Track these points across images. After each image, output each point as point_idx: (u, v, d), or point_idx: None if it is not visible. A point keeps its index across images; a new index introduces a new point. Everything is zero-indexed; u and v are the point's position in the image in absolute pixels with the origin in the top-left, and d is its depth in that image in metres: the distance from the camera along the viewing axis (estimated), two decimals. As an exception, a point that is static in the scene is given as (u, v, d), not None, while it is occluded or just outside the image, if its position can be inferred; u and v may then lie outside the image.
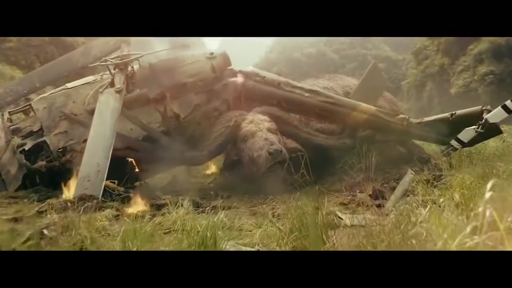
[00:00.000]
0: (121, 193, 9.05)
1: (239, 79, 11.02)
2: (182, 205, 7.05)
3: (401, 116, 10.27)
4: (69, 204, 7.19)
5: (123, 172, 9.57)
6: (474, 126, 8.64)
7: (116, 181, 9.15)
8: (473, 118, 8.94)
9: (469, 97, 28.97)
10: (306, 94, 10.46)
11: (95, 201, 7.38)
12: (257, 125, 9.92)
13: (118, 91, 9.01)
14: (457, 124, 9.25)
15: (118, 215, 7.26)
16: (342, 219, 6.75)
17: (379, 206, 7.39)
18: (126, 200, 8.55)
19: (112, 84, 9.31)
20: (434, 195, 7.24)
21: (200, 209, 7.82)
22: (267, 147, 9.34)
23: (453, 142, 8.97)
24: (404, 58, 55.95)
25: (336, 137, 10.58)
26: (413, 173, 7.56)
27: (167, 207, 7.01)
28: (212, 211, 7.94)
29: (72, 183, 8.21)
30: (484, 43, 30.67)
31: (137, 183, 10.36)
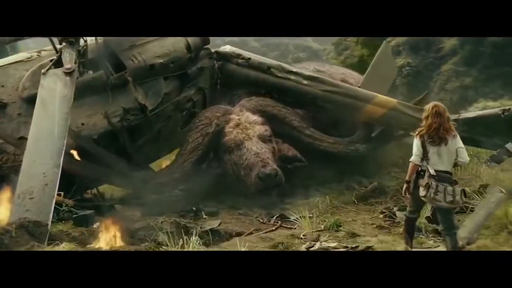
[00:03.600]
0: (72, 209, 6.85)
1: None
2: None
3: (429, 111, 8.34)
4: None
5: (70, 180, 7.14)
6: None
7: (62, 193, 6.83)
8: None
9: (387, 88, 29.05)
10: (305, 82, 8.40)
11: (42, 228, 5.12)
12: (245, 130, 7.85)
13: (69, 73, 6.58)
14: (510, 123, 7.45)
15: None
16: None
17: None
18: (85, 222, 6.32)
19: (58, 63, 6.84)
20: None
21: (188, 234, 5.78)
22: (258, 169, 7.34)
23: (510, 146, 7.11)
24: (325, 48, 56.08)
25: (346, 141, 8.58)
26: (504, 192, 5.69)
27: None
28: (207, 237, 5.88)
29: (5, 201, 5.83)
30: (401, 36, 30.64)
31: (88, 193, 8.04)
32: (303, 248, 5.16)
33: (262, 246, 5.43)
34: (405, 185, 4.94)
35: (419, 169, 4.76)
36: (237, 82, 8.81)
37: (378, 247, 4.97)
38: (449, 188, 4.57)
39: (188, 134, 7.97)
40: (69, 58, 6.84)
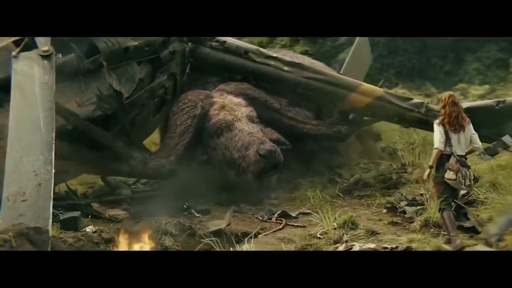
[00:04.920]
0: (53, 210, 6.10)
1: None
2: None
3: (417, 100, 8.05)
4: None
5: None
6: None
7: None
8: None
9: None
10: (285, 68, 8.02)
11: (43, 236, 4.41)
12: (232, 112, 7.46)
13: (46, 56, 5.77)
14: (504, 115, 7.34)
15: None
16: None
17: (470, 230, 5.49)
18: (73, 226, 5.64)
19: (27, 44, 5.99)
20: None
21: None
22: (256, 146, 6.95)
23: (507, 139, 6.96)
24: (244, 34, 57.13)
25: (328, 123, 8.38)
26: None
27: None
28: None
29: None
30: (300, 24, 31.77)
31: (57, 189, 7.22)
32: (340, 249, 4.87)
33: (286, 249, 5.07)
34: (428, 170, 5.29)
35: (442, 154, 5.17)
36: (211, 67, 8.24)
37: (415, 247, 4.80)
38: (467, 173, 5.09)
39: (174, 118, 7.43)
40: (44, 39, 6.02)
